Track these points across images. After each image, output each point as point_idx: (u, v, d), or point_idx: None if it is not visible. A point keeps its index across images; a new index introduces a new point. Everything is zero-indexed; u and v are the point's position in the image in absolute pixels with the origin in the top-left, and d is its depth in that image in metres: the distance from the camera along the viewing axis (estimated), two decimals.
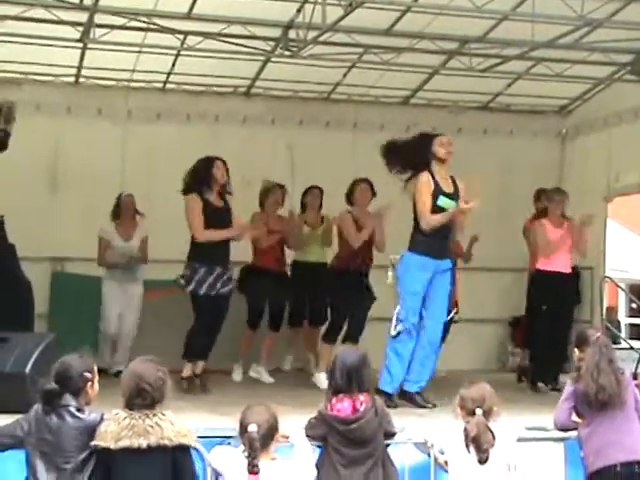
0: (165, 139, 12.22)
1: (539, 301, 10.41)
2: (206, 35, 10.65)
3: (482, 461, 5.76)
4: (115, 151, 11.99)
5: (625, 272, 19.13)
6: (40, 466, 5.32)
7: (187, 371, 9.23)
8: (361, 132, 12.93)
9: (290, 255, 11.22)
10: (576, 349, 6.64)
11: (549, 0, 9.53)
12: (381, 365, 8.32)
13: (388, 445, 5.99)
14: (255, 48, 10.91)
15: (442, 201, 8.41)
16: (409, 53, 11.21)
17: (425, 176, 8.48)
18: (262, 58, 11.60)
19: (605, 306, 13.89)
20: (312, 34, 10.05)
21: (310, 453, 5.75)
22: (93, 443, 5.25)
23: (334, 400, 5.86)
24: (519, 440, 6.22)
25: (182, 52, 11.27)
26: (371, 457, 5.81)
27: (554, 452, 6.60)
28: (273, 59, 11.48)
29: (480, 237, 11.16)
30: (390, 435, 6.03)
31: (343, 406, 5.83)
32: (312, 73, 11.97)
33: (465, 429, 5.80)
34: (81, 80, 12.16)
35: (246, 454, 5.34)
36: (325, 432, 5.84)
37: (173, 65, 11.87)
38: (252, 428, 5.34)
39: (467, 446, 5.78)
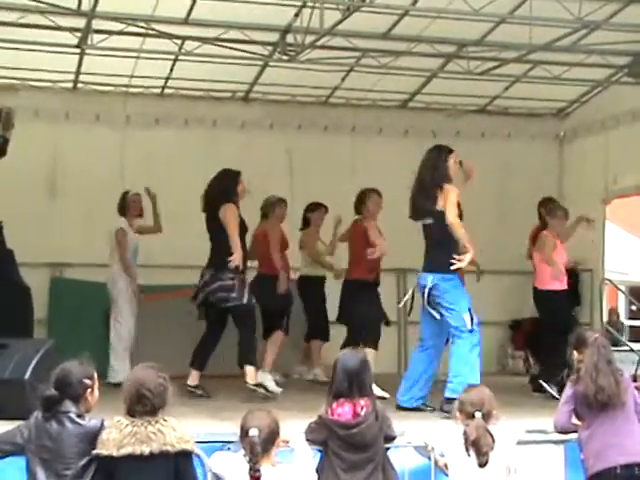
0: (163, 144, 12.23)
1: (557, 317, 10.22)
2: (204, 40, 10.67)
3: (482, 464, 5.76)
4: (113, 157, 12.00)
5: (625, 274, 19.11)
6: (40, 473, 5.32)
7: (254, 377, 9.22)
8: (359, 136, 12.95)
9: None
10: (575, 351, 6.62)
11: (546, 3, 9.56)
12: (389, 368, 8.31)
13: (388, 449, 5.99)
14: (253, 53, 10.93)
15: None
16: (407, 57, 11.23)
17: (454, 192, 8.31)
18: (260, 63, 11.61)
19: (608, 308, 13.92)
20: (310, 38, 10.06)
21: (310, 458, 5.75)
22: (95, 451, 5.24)
23: (335, 404, 5.85)
24: (519, 443, 6.22)
25: (180, 57, 11.28)
26: (371, 461, 5.81)
27: (554, 455, 6.60)
28: (271, 64, 11.48)
29: (478, 240, 11.14)
30: (390, 439, 6.03)
31: (344, 410, 5.83)
32: (310, 77, 11.97)
33: (465, 432, 5.80)
34: (79, 86, 12.17)
35: (247, 459, 5.34)
36: (326, 436, 5.84)
37: (171, 70, 11.88)
38: (253, 432, 5.34)
39: (467, 449, 5.78)
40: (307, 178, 12.28)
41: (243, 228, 9.43)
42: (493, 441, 5.78)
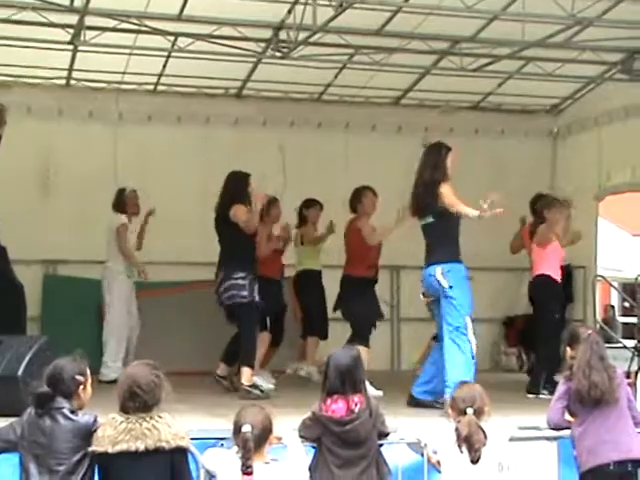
0: (157, 141, 12.22)
1: (553, 310, 10.27)
2: (197, 37, 10.66)
3: (474, 461, 5.76)
4: (107, 153, 11.97)
5: (618, 271, 19.13)
6: (33, 469, 5.31)
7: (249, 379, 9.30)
8: (353, 133, 12.95)
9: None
10: (568, 347, 6.64)
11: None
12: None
13: (381, 445, 5.99)
14: (246, 49, 10.92)
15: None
16: (400, 53, 11.22)
17: (447, 187, 8.42)
18: (253, 59, 11.60)
19: (603, 305, 13.92)
20: (303, 35, 10.06)
21: (303, 454, 5.75)
22: (90, 449, 5.24)
23: (329, 401, 5.85)
24: (512, 439, 6.23)
25: (173, 54, 11.27)
26: (365, 458, 5.81)
27: (547, 451, 6.60)
28: (264, 60, 11.47)
29: (472, 236, 11.14)
30: (384, 436, 6.03)
31: (338, 407, 5.82)
32: (303, 74, 11.98)
33: (456, 429, 5.81)
34: (72, 82, 12.15)
35: (240, 455, 5.34)
36: (320, 433, 5.83)
37: (164, 67, 11.86)
38: (246, 429, 5.33)
39: (459, 446, 5.78)
40: (300, 175, 12.25)
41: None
42: (485, 437, 5.79)
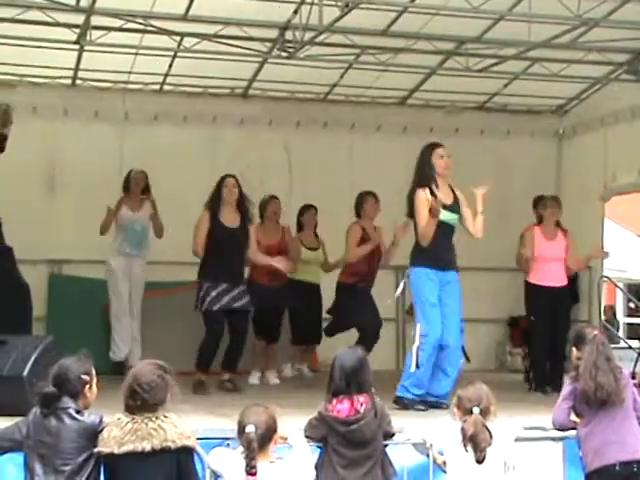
0: (162, 141, 12.22)
1: (529, 312, 10.51)
2: (203, 36, 10.66)
3: (479, 460, 5.76)
4: (112, 153, 11.99)
5: (623, 272, 19.10)
6: (38, 468, 5.31)
7: (198, 376, 9.39)
8: (358, 133, 12.95)
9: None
10: (574, 348, 6.63)
11: (545, 0, 9.54)
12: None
13: (387, 446, 5.99)
14: (252, 49, 10.92)
15: (444, 215, 8.42)
16: (406, 54, 11.22)
17: (422, 193, 8.44)
18: (259, 59, 11.61)
19: (605, 305, 13.89)
20: (309, 35, 10.06)
21: (309, 454, 5.74)
22: (97, 450, 5.25)
23: (334, 401, 5.85)
24: (518, 440, 6.22)
25: (179, 54, 11.27)
26: (370, 458, 5.81)
27: (553, 452, 6.60)
28: (270, 60, 11.47)
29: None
30: (389, 436, 6.03)
31: (343, 407, 5.82)
32: (309, 74, 11.98)
33: (462, 428, 5.81)
34: (78, 82, 12.15)
35: (244, 455, 5.34)
36: (325, 433, 5.84)
37: (170, 67, 11.87)
38: (250, 429, 5.33)
39: (464, 445, 5.78)
40: (306, 175, 12.28)
41: (230, 236, 9.53)
42: (491, 437, 5.79)
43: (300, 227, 11.33)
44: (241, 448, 5.41)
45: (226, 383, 9.48)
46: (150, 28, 10.40)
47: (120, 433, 5.19)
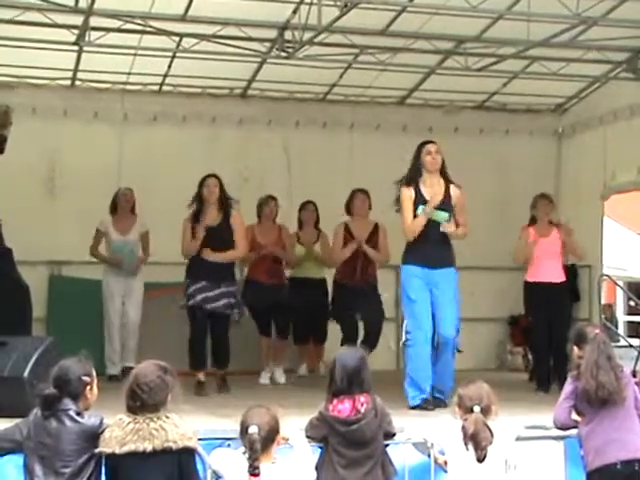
0: (162, 141, 12.22)
1: (528, 312, 10.56)
2: (202, 37, 10.67)
3: (480, 459, 5.76)
4: (112, 154, 11.98)
5: (623, 270, 19.14)
6: (38, 470, 5.31)
7: (197, 377, 9.44)
8: (358, 132, 12.95)
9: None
10: (575, 347, 6.62)
11: None
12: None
13: (387, 445, 5.99)
14: (251, 49, 10.93)
15: (421, 210, 8.45)
16: (405, 53, 11.22)
17: (406, 191, 8.56)
18: (258, 59, 11.60)
19: (604, 304, 13.88)
20: (308, 35, 10.07)
21: (310, 455, 5.74)
22: (98, 450, 5.25)
23: (335, 401, 5.85)
24: (519, 439, 6.21)
25: (178, 54, 11.27)
26: (371, 458, 5.80)
27: (554, 451, 6.60)
28: (269, 60, 11.47)
29: (476, 236, 11.14)
30: (390, 436, 6.02)
31: (344, 407, 5.82)
32: (308, 74, 11.98)
33: (463, 427, 5.80)
34: (77, 83, 12.15)
35: (247, 456, 5.33)
36: (326, 433, 5.83)
37: (169, 67, 11.86)
38: (253, 430, 5.33)
39: (465, 444, 5.78)
40: (305, 175, 12.27)
41: (213, 235, 9.58)
42: (492, 436, 5.78)
43: (300, 224, 11.34)
44: (242, 449, 5.41)
45: (218, 382, 9.58)
46: (149, 29, 10.40)
47: (122, 433, 5.19)
